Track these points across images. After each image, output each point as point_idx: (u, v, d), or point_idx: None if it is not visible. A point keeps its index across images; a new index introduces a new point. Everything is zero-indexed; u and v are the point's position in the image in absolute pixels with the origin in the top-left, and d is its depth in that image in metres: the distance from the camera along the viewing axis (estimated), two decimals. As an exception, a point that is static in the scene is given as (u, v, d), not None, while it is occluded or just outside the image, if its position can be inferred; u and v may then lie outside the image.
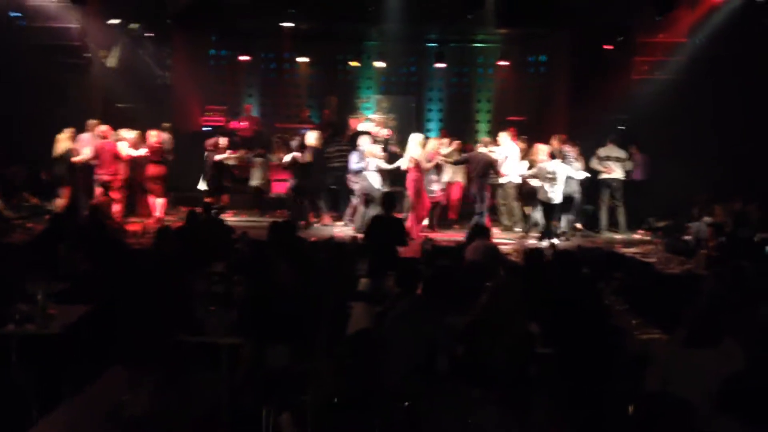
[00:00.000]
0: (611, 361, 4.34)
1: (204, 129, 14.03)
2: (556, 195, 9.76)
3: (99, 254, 6.43)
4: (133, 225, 10.07)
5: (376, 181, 10.36)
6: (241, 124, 14.07)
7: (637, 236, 10.88)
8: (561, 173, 9.79)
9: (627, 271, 8.02)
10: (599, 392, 4.01)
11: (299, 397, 4.37)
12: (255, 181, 12.03)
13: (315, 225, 11.15)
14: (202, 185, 11.64)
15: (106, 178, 10.18)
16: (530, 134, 12.06)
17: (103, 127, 10.37)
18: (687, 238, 9.43)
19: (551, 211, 9.92)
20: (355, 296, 6.11)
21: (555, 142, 10.36)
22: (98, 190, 10.24)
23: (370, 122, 13.35)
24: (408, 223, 9.69)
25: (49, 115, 10.94)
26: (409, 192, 10.19)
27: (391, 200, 7.94)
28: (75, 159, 10.30)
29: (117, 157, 10.31)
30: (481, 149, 10.51)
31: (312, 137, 11.02)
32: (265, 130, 14.13)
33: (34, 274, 5.49)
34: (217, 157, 11.21)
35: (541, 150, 10.12)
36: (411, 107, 15.97)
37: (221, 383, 4.17)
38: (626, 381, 4.14)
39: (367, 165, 10.42)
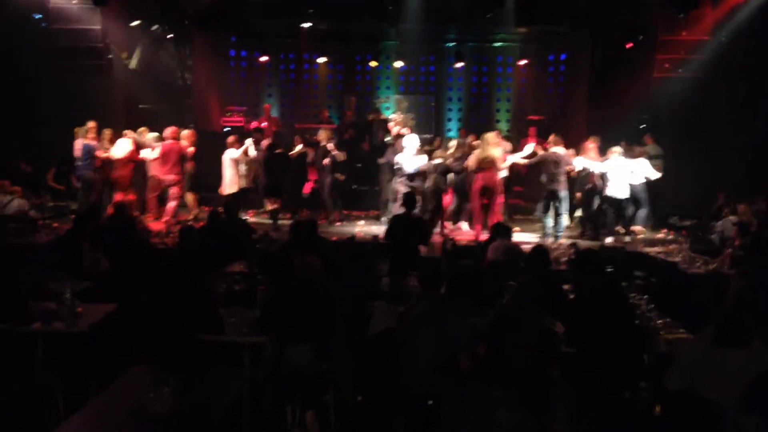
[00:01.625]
0: (635, 361, 4.30)
1: (224, 129, 14.10)
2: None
3: (122, 253, 6.50)
4: (158, 224, 10.14)
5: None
6: (261, 124, 14.11)
7: (660, 235, 10.77)
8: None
9: (651, 270, 7.97)
10: (623, 392, 3.98)
11: (322, 396, 4.39)
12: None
13: (337, 224, 11.19)
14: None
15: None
16: (550, 134, 11.98)
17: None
18: (712, 237, 9.32)
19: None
20: (376, 296, 6.12)
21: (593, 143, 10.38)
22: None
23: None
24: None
25: (71, 116, 11.03)
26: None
27: (412, 200, 7.92)
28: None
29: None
30: (554, 149, 10.37)
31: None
32: (284, 131, 14.17)
33: (58, 273, 5.58)
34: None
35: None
36: (430, 107, 15.96)
37: (244, 382, 4.18)
38: (651, 381, 4.10)
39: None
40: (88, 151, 10.41)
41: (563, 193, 9.97)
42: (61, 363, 4.54)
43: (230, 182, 11.05)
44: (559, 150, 10.06)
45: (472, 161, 9.98)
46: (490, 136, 10.21)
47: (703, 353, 3.44)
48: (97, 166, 10.42)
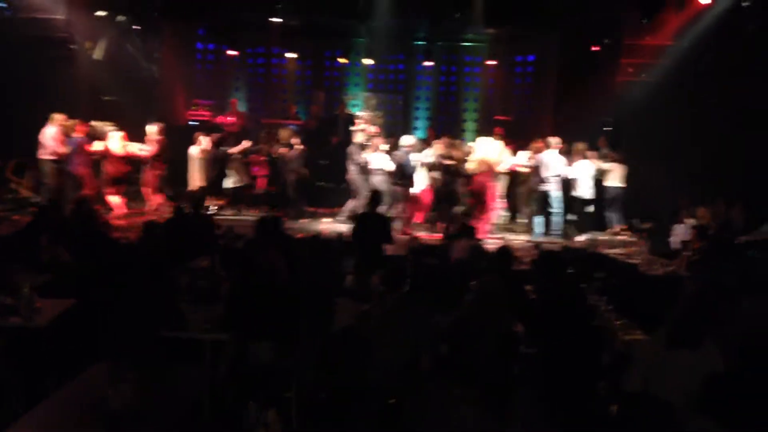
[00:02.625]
0: (593, 361, 4.38)
1: (190, 123, 13.96)
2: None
3: (83, 247, 6.40)
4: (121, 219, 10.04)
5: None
6: (228, 119, 14.01)
7: (621, 237, 10.97)
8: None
9: (610, 272, 8.10)
10: (581, 392, 4.05)
11: (284, 394, 4.39)
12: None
13: (302, 220, 11.19)
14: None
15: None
16: (517, 134, 12.12)
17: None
18: (671, 240, 9.51)
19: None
20: (340, 293, 6.13)
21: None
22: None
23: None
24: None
25: (32, 107, 10.82)
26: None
27: (377, 198, 7.95)
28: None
29: None
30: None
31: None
32: (251, 126, 14.09)
33: (16, 267, 5.48)
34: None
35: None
36: (398, 105, 16.02)
37: (205, 379, 4.17)
38: (608, 381, 4.18)
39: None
40: (78, 146, 10.26)
41: (555, 194, 10.17)
42: (19, 358, 4.46)
43: (197, 177, 11.01)
44: (551, 153, 10.30)
45: (472, 164, 10.13)
46: (487, 139, 10.42)
47: (657, 354, 3.53)
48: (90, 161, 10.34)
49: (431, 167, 10.78)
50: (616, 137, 12.03)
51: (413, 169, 10.64)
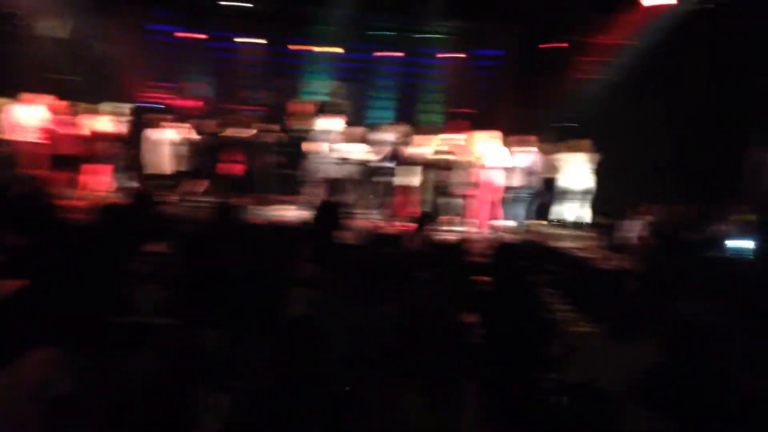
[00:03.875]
0: (542, 353, 4.45)
1: (144, 105, 13.72)
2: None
3: (34, 228, 6.26)
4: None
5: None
6: (183, 102, 13.80)
7: (572, 232, 11.16)
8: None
9: (564, 265, 8.24)
10: (527, 383, 4.12)
11: (233, 381, 4.36)
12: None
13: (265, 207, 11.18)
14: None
15: None
16: (478, 127, 12.19)
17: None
18: (626, 235, 9.70)
19: None
20: (294, 281, 6.11)
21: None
22: None
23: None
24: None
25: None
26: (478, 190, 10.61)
27: (336, 186, 7.98)
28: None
29: None
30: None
31: None
32: (207, 109, 13.90)
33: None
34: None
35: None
36: (359, 95, 15.97)
37: (152, 365, 4.11)
38: (555, 373, 4.26)
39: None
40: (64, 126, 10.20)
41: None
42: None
43: (165, 163, 10.87)
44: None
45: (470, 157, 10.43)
46: (482, 134, 10.53)
47: (601, 346, 3.61)
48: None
49: (431, 161, 10.83)
50: (575, 133, 12.19)
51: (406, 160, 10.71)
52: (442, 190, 10.96)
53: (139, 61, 14.52)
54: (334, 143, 10.67)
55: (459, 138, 11.20)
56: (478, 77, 16.21)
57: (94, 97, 11.22)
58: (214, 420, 3.83)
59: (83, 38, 13.13)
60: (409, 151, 10.87)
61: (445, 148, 11.05)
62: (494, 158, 10.66)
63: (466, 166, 10.83)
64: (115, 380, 3.49)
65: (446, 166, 10.87)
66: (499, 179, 10.75)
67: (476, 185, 10.77)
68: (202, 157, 11.44)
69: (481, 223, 10.73)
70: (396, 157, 10.76)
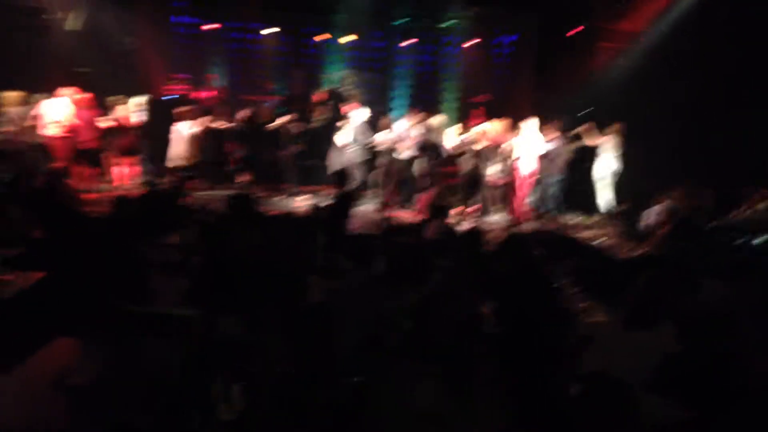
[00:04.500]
0: (557, 342, 4.44)
1: (165, 98, 13.81)
2: None
3: (53, 220, 6.35)
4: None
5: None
6: (205, 93, 13.87)
7: (595, 219, 11.10)
8: None
9: (581, 254, 8.19)
10: (542, 373, 4.11)
11: (251, 369, 4.41)
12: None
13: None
14: None
15: None
16: (496, 114, 12.14)
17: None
18: (643, 222, 9.62)
19: None
20: (312, 270, 6.14)
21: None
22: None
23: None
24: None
25: (3, 78, 10.65)
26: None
27: (344, 177, 8.02)
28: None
29: None
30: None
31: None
32: (228, 101, 13.96)
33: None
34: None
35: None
36: (377, 84, 15.94)
37: (171, 354, 4.17)
38: (570, 362, 4.25)
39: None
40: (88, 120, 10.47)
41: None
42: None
43: (183, 155, 10.96)
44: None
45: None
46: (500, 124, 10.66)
47: (617, 335, 3.60)
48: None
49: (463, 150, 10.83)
50: (595, 118, 12.09)
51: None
52: (475, 179, 10.92)
53: (160, 52, 14.60)
54: (359, 133, 10.70)
55: (488, 126, 11.14)
56: (497, 64, 16.11)
57: (116, 89, 11.31)
58: (232, 408, 3.88)
59: (105, 31, 13.23)
60: (438, 140, 10.84)
61: (474, 137, 11.01)
62: (526, 146, 10.61)
63: (499, 155, 10.78)
64: (135, 369, 3.54)
65: (480, 155, 10.82)
66: (531, 167, 10.72)
67: (510, 174, 10.73)
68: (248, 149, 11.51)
69: (515, 212, 10.72)
70: (426, 147, 10.72)
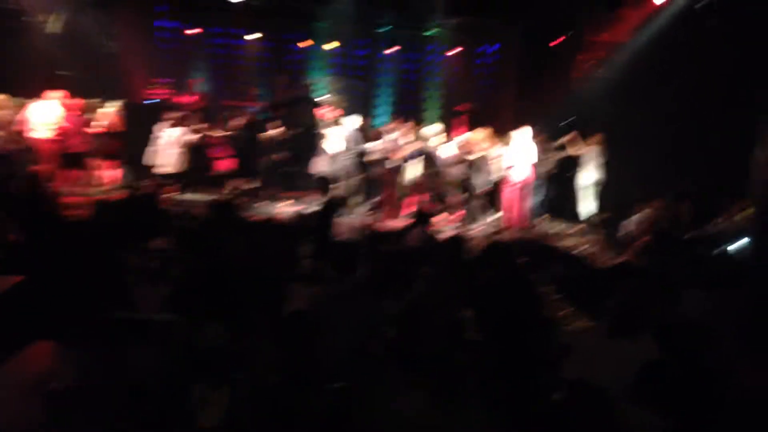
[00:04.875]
0: (539, 350, 4.46)
1: (147, 102, 13.74)
2: None
3: (32, 224, 6.28)
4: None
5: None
6: (187, 99, 13.81)
7: (576, 229, 11.18)
8: None
9: (563, 262, 8.25)
10: (525, 380, 4.13)
11: (233, 375, 4.38)
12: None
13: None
14: None
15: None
16: (478, 124, 12.20)
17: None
18: (624, 232, 9.71)
19: None
20: (296, 277, 6.13)
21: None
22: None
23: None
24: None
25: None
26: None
27: (326, 184, 8.03)
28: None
29: None
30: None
31: None
32: (210, 106, 13.91)
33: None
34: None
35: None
36: (360, 91, 15.97)
37: (152, 359, 4.13)
38: (552, 370, 4.27)
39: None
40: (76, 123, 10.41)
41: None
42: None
43: (173, 161, 10.90)
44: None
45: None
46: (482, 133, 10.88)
47: (598, 343, 3.62)
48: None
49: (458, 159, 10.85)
50: (577, 128, 12.18)
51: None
52: (467, 188, 10.95)
53: (142, 57, 14.52)
54: (351, 141, 10.71)
55: (470, 136, 11.20)
56: (480, 73, 16.20)
57: (96, 93, 11.23)
58: (213, 415, 3.85)
59: (86, 34, 13.13)
60: (431, 149, 10.86)
61: (467, 146, 11.05)
62: (519, 154, 10.68)
63: (490, 164, 10.83)
64: (116, 375, 3.51)
65: (472, 164, 10.86)
66: (525, 174, 10.79)
67: (502, 181, 10.78)
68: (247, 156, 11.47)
69: (509, 219, 10.77)
70: (421, 155, 10.71)
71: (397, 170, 10.98)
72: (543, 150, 11.15)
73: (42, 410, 3.10)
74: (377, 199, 11.19)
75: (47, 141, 10.12)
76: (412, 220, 8.04)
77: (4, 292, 4.70)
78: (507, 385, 4.18)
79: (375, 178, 11.17)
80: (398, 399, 4.00)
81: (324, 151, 11.02)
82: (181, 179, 11.24)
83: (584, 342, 3.88)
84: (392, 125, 11.67)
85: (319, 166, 11.02)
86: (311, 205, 9.99)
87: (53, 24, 12.25)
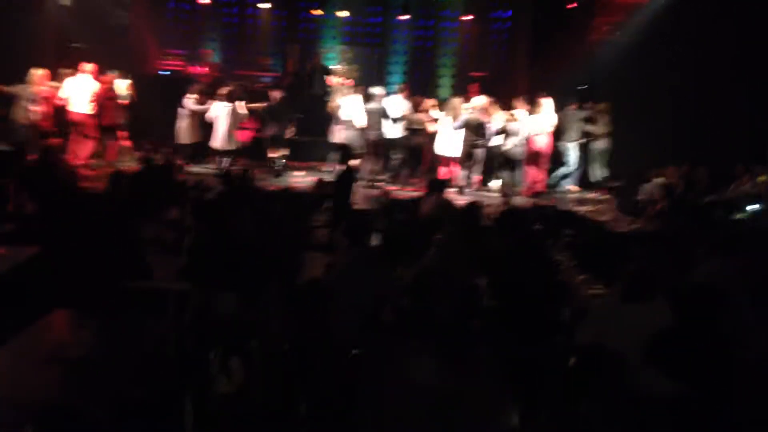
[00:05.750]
0: (553, 315, 4.46)
1: (161, 73, 13.72)
2: None
3: (49, 196, 6.34)
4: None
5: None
6: (200, 69, 13.77)
7: (591, 195, 11.11)
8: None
9: (579, 228, 8.21)
10: (539, 346, 4.13)
11: (247, 343, 4.42)
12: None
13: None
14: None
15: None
16: (492, 91, 12.07)
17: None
18: (639, 198, 9.64)
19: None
20: (310, 246, 6.15)
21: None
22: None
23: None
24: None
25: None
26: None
27: (346, 153, 7.98)
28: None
29: None
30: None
31: None
32: (224, 77, 13.85)
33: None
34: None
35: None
36: (373, 59, 15.83)
37: (167, 328, 4.18)
38: (566, 335, 4.27)
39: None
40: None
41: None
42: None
43: (190, 132, 10.88)
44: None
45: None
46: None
47: (612, 308, 3.61)
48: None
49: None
50: (590, 95, 12.02)
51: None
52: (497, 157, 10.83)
53: (154, 28, 14.47)
54: (394, 110, 10.60)
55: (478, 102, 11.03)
56: (493, 40, 15.98)
57: (110, 65, 11.19)
58: (230, 381, 3.90)
59: (99, 6, 13.08)
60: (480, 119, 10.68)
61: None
62: (538, 124, 10.58)
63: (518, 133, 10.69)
64: (131, 343, 3.55)
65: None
66: (546, 142, 10.71)
67: (529, 151, 10.69)
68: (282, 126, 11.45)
69: (531, 188, 10.73)
70: (469, 125, 10.51)
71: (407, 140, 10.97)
72: (571, 119, 10.99)
73: (60, 378, 3.14)
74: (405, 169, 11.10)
75: (88, 115, 10.16)
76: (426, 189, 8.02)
77: (21, 262, 4.76)
78: (521, 350, 4.19)
79: (415, 147, 11.01)
80: (412, 366, 4.02)
81: (340, 120, 10.92)
82: (197, 150, 11.20)
83: (599, 307, 3.87)
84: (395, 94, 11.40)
85: (337, 135, 10.91)
86: (326, 174, 9.95)
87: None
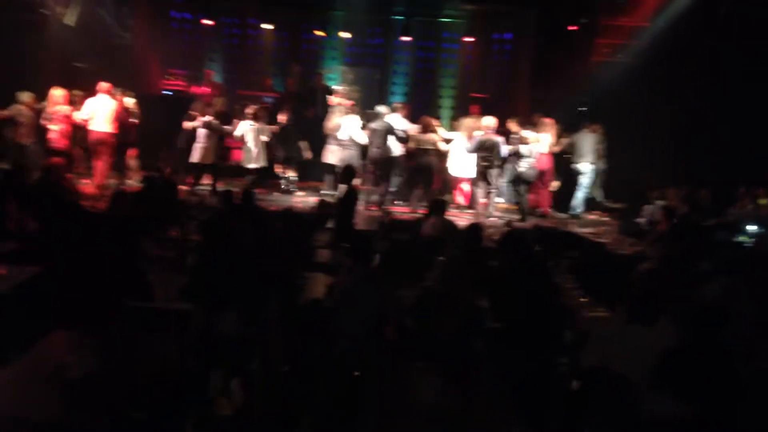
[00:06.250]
0: (556, 337, 4.44)
1: (164, 93, 13.78)
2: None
3: (50, 215, 6.33)
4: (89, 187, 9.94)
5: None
6: (203, 89, 13.83)
7: (592, 217, 11.10)
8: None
9: (580, 250, 8.19)
10: (542, 368, 4.11)
11: (248, 364, 4.40)
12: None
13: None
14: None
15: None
16: (493, 112, 12.10)
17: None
18: (640, 220, 9.64)
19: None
20: (312, 267, 6.13)
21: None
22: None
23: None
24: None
25: (2, 72, 10.59)
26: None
27: (349, 173, 7.97)
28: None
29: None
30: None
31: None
32: (226, 97, 13.90)
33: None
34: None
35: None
36: (375, 80, 15.90)
37: (169, 347, 4.16)
38: (569, 357, 4.25)
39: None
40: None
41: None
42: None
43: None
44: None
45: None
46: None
47: (617, 331, 3.59)
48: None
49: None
50: (592, 118, 12.04)
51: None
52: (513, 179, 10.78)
53: (157, 48, 14.56)
54: (400, 129, 10.61)
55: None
56: (495, 61, 16.06)
57: (113, 84, 11.24)
58: (230, 402, 3.87)
59: (103, 25, 13.18)
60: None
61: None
62: (543, 145, 10.62)
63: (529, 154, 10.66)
64: (133, 363, 3.52)
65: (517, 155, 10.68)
66: (545, 164, 10.73)
67: (539, 172, 10.67)
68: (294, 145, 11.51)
69: (541, 204, 10.77)
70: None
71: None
72: (587, 140, 10.94)
73: (61, 398, 3.12)
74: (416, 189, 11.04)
75: (110, 134, 10.21)
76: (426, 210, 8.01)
77: (22, 282, 4.74)
78: (523, 372, 4.16)
79: (426, 167, 10.91)
80: (415, 387, 4.00)
81: (335, 140, 10.92)
82: (201, 169, 11.19)
83: (603, 329, 3.85)
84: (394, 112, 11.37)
85: (330, 155, 10.92)
86: (327, 195, 9.94)
87: (70, 16, 12.29)
